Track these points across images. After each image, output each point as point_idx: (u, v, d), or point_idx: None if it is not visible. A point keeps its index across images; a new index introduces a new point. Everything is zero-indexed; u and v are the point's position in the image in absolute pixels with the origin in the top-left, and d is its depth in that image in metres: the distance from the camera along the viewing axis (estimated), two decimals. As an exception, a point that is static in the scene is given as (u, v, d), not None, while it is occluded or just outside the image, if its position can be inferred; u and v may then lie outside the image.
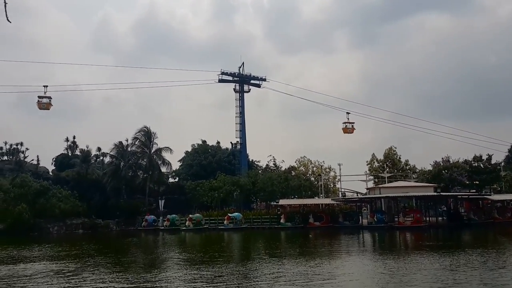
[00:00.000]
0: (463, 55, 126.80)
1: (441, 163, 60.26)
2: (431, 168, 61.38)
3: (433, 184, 50.00)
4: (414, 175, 64.30)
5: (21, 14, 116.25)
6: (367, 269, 18.03)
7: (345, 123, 49.04)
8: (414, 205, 51.78)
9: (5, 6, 7.00)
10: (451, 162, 58.98)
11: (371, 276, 16.14)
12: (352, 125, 49.23)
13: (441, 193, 46.63)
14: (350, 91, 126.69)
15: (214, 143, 79.15)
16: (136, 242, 39.17)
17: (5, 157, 72.47)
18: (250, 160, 76.37)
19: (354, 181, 65.46)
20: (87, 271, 18.84)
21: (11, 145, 71.50)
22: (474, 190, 54.67)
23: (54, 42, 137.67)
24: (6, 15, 7.15)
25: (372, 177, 66.55)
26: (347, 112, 49.12)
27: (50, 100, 40.34)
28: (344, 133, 49.80)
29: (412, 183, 53.02)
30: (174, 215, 55.29)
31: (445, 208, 54.01)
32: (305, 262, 20.20)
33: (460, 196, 50.71)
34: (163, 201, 59.54)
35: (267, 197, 57.92)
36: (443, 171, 56.66)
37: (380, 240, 35.21)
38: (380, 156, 71.17)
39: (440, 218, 50.27)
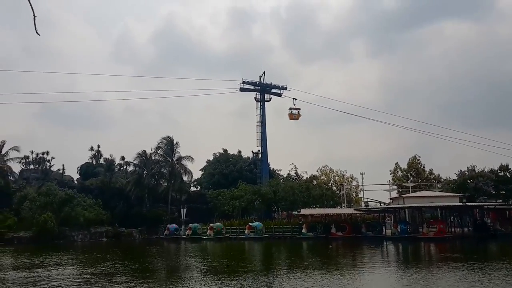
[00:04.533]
0: (485, 62, 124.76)
1: (466, 172, 59.06)
2: (456, 178, 60.28)
3: (458, 194, 49.03)
4: (438, 185, 63.20)
5: (46, 27, 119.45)
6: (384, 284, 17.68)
7: (291, 109, 48.08)
8: (439, 216, 50.83)
9: (34, 19, 7.24)
10: (477, 171, 57.82)
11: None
12: (298, 111, 48.22)
13: (467, 203, 45.65)
14: (370, 100, 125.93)
15: (235, 152, 79.66)
16: (159, 251, 39.39)
17: (31, 166, 73.96)
18: (271, 169, 76.36)
19: (377, 191, 64.88)
20: (112, 280, 19.01)
21: (37, 154, 72.93)
22: (500, 200, 53.40)
23: (77, 53, 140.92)
24: (35, 28, 7.38)
25: (395, 187, 65.67)
26: (293, 98, 48.32)
27: None
28: (290, 119, 49.15)
29: (437, 193, 52.11)
30: (196, 224, 55.65)
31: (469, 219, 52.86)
32: (322, 274, 19.95)
33: (486, 206, 49.50)
34: (185, 210, 59.91)
35: (288, 206, 57.70)
36: (468, 181, 55.60)
37: (402, 252, 34.55)
38: (404, 165, 70.26)
39: (466, 229, 49.17)
